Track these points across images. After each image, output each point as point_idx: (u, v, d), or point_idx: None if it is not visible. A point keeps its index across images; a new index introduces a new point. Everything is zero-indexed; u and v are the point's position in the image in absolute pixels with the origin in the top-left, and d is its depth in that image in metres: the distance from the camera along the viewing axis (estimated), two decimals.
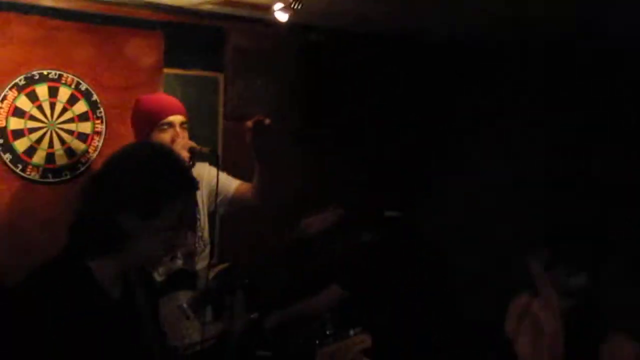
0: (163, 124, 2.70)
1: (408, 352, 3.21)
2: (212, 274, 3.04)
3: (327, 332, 3.30)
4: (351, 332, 2.10)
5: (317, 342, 3.30)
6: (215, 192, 2.81)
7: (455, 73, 4.37)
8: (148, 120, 2.73)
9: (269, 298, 3.38)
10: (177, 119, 2.74)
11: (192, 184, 1.69)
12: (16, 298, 1.55)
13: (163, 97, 2.89)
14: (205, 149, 2.76)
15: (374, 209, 3.26)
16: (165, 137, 2.69)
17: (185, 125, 2.77)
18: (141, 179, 1.59)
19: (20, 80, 3.01)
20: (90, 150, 3.20)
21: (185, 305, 2.78)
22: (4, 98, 2.97)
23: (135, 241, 1.60)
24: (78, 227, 1.62)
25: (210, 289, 2.91)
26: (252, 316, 3.26)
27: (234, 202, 3.03)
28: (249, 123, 2.78)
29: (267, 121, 2.75)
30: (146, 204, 1.58)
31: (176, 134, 2.70)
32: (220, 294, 2.99)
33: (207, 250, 2.99)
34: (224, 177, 3.02)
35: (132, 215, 1.57)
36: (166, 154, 1.71)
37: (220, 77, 3.72)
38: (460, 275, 3.70)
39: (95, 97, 3.19)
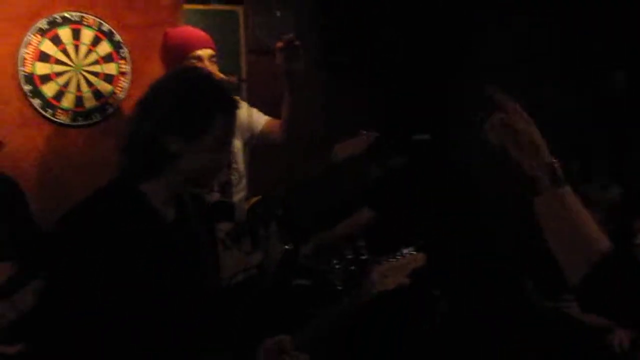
0: (192, 58, 2.70)
1: (441, 274, 3.26)
2: (246, 207, 3.09)
3: (362, 258, 3.37)
4: (404, 251, 2.13)
5: (353, 268, 3.38)
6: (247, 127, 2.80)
7: None
8: (177, 55, 2.72)
9: (303, 227, 3.43)
10: (205, 52, 2.73)
11: (233, 104, 1.71)
12: (71, 225, 1.60)
13: (191, 31, 2.86)
14: (233, 79, 2.76)
15: (402, 133, 3.26)
16: None
17: (214, 59, 2.76)
18: (182, 101, 1.62)
19: (42, 24, 3.00)
20: (117, 91, 3.21)
21: (224, 236, 2.84)
22: (29, 43, 2.98)
23: (181, 162, 1.63)
24: (126, 151, 1.66)
25: (246, 220, 2.96)
26: (287, 247, 3.32)
27: (262, 139, 3.02)
28: (279, 44, 2.72)
29: (297, 42, 2.71)
30: (189, 125, 1.61)
31: (205, 68, 2.70)
32: (255, 226, 3.04)
33: (244, 182, 3.01)
34: (253, 111, 3.02)
35: (176, 137, 1.61)
36: (205, 75, 1.74)
37: (240, 10, 3.69)
38: (489, 195, 3.70)
39: (117, 37, 3.18)
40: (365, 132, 2.93)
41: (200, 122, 1.62)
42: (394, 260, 2.17)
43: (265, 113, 3.12)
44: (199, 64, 2.70)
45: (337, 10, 4.00)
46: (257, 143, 3.04)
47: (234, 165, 2.94)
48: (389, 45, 4.13)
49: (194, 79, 1.69)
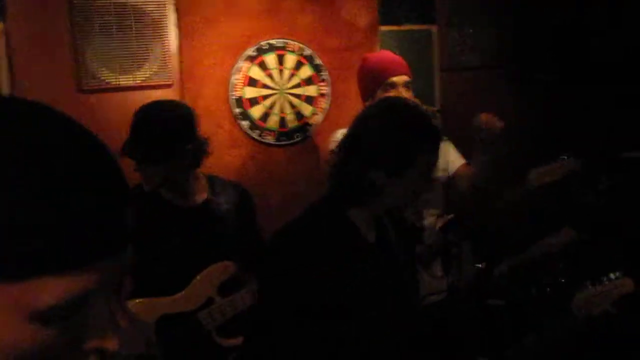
0: (387, 84, 2.72)
1: None
2: (439, 225, 3.08)
3: (561, 281, 3.24)
4: (612, 276, 2.04)
5: (550, 290, 3.25)
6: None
7: None
8: (372, 80, 2.76)
9: (497, 247, 3.36)
10: (400, 79, 2.73)
11: (439, 136, 1.73)
12: (287, 240, 1.71)
13: (388, 57, 2.88)
14: (431, 109, 2.75)
15: (611, 151, 3.10)
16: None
17: (409, 85, 2.75)
18: (391, 138, 1.66)
19: (251, 52, 3.24)
20: (317, 111, 3.37)
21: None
22: (239, 70, 3.23)
23: (384, 194, 1.69)
24: (334, 182, 1.74)
25: (437, 243, 2.94)
26: (479, 266, 3.27)
27: (451, 183, 2.96)
28: (484, 119, 2.60)
29: (500, 124, 2.58)
30: (395, 162, 1.65)
31: (399, 94, 2.73)
32: (447, 245, 3.02)
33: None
34: (451, 149, 2.98)
35: (383, 172, 1.66)
36: (413, 108, 1.76)
37: (434, 29, 3.72)
38: None
39: (318, 60, 3.35)
40: (565, 156, 2.75)
41: (406, 158, 1.65)
42: (599, 285, 2.08)
43: (459, 127, 3.09)
44: (393, 91, 2.71)
45: (533, 27, 3.89)
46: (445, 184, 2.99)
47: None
48: (592, 61, 3.93)
49: (403, 115, 1.72)
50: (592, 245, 3.05)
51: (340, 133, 2.81)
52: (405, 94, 2.76)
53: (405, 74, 2.78)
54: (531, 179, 2.82)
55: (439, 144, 1.73)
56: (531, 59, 3.87)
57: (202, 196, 2.40)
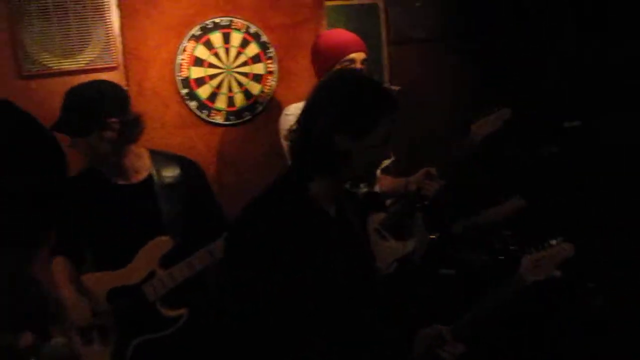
0: (345, 61, 2.74)
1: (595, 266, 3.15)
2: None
3: (511, 248, 3.31)
4: (553, 242, 2.13)
5: (502, 258, 3.33)
6: None
7: None
8: (330, 58, 2.77)
9: (448, 218, 3.41)
10: (358, 56, 2.77)
11: (396, 103, 1.79)
12: (251, 219, 1.74)
13: (344, 34, 2.90)
14: (394, 88, 2.77)
15: (552, 119, 3.17)
16: None
17: (365, 62, 2.79)
18: (353, 101, 1.72)
19: (196, 31, 3.20)
20: (265, 89, 3.35)
21: (380, 227, 2.90)
22: (184, 50, 3.19)
23: (349, 160, 1.73)
24: (298, 154, 1.79)
25: (397, 209, 2.99)
26: (432, 236, 3.32)
27: None
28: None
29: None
30: (359, 124, 1.71)
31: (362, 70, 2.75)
32: (401, 216, 3.07)
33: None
34: None
35: (347, 136, 1.70)
36: (369, 77, 1.86)
37: (380, 3, 3.72)
38: None
39: (264, 38, 3.32)
40: (496, 108, 2.83)
41: (368, 120, 1.71)
42: (543, 250, 2.16)
43: (406, 101, 3.13)
44: (352, 67, 2.74)
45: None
46: None
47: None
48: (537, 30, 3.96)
49: (361, 80, 1.81)
50: (536, 212, 3.13)
51: (293, 107, 2.83)
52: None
53: (363, 51, 2.83)
54: (474, 131, 2.90)
55: (397, 108, 1.79)
56: (475, 32, 3.89)
57: (144, 173, 2.47)
